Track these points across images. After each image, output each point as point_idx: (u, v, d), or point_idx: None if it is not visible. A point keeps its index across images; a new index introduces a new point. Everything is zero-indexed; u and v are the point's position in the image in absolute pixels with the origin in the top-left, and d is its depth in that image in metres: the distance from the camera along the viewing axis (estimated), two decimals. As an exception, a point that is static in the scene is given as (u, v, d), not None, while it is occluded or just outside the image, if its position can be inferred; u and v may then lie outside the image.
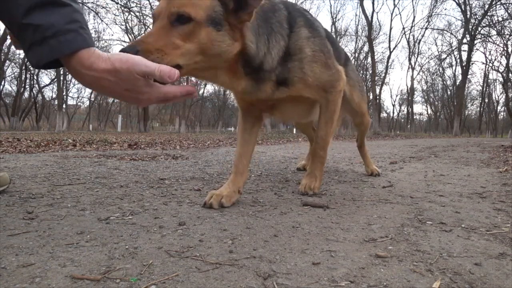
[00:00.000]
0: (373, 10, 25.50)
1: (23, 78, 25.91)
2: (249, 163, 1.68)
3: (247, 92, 1.42)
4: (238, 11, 1.19)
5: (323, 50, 1.55)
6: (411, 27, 27.95)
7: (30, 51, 0.82)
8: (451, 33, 28.17)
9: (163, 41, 1.08)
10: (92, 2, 16.63)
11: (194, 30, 1.12)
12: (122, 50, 1.01)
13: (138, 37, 1.11)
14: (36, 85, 27.86)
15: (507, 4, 20.97)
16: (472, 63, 26.13)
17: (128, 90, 0.87)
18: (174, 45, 1.09)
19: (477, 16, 23.53)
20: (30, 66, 25.73)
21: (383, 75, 28.61)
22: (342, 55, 2.04)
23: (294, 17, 1.48)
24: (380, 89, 27.32)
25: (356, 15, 53.54)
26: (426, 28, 27.80)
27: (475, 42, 24.35)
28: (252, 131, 1.69)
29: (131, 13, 18.56)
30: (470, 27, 23.37)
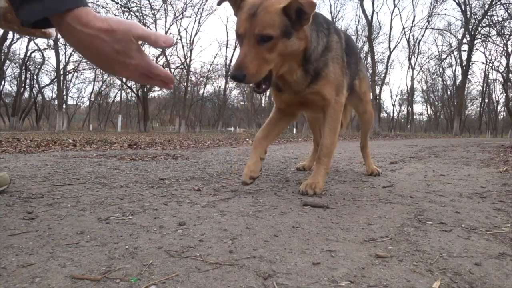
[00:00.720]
0: (373, 10, 25.35)
1: (23, 78, 25.90)
2: (268, 145, 1.95)
3: (298, 81, 1.77)
4: (299, 19, 1.52)
5: (343, 58, 1.88)
6: (411, 27, 27.87)
7: (21, 7, 0.80)
8: (451, 33, 28.18)
9: (257, 60, 1.49)
10: (92, 2, 16.60)
11: (275, 44, 1.51)
12: (232, 77, 1.49)
13: (238, 57, 1.52)
14: (36, 85, 27.85)
15: (507, 4, 20.97)
16: (472, 63, 26.10)
17: (118, 52, 0.87)
18: (264, 59, 1.51)
19: (477, 16, 23.53)
20: (30, 67, 25.74)
21: (383, 75, 28.62)
22: (358, 56, 2.43)
23: (328, 23, 1.83)
24: (380, 89, 27.35)
25: (356, 15, 53.49)
26: (426, 28, 27.80)
27: (475, 42, 24.34)
28: (277, 124, 1.98)
29: (131, 13, 18.56)
30: (470, 27, 23.36)
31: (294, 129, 28.59)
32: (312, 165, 2.66)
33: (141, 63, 0.91)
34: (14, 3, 0.82)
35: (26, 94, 28.08)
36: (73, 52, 25.24)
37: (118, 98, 36.28)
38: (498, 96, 37.06)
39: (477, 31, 23.94)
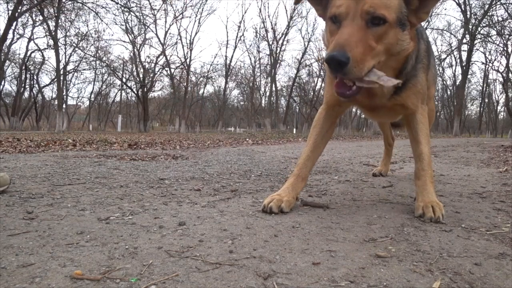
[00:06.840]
0: (373, 10, 25.31)
1: (23, 78, 25.84)
2: (312, 168, 1.61)
3: (384, 94, 1.41)
4: (418, 10, 1.26)
5: (428, 66, 1.53)
6: (411, 27, 27.77)
7: None
8: (451, 33, 28.12)
9: (363, 46, 1.14)
10: (92, 2, 16.56)
11: (386, 31, 1.18)
12: (331, 58, 1.10)
13: (339, 37, 1.14)
14: (36, 85, 27.78)
15: (507, 4, 20.95)
16: (472, 63, 26.03)
17: None
18: (370, 48, 1.16)
19: (477, 16, 23.50)
20: (30, 66, 25.71)
21: (383, 75, 28.43)
22: (432, 54, 1.83)
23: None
24: (380, 89, 27.20)
25: (356, 15, 53.16)
26: (426, 28, 27.76)
27: (475, 42, 24.31)
28: (325, 135, 1.60)
29: (131, 13, 18.54)
30: (470, 27, 23.34)
31: (294, 129, 28.56)
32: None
33: None
34: None
35: (26, 94, 28.04)
36: (73, 52, 25.26)
37: (118, 98, 36.25)
38: (498, 96, 36.99)
39: (477, 31, 23.91)
